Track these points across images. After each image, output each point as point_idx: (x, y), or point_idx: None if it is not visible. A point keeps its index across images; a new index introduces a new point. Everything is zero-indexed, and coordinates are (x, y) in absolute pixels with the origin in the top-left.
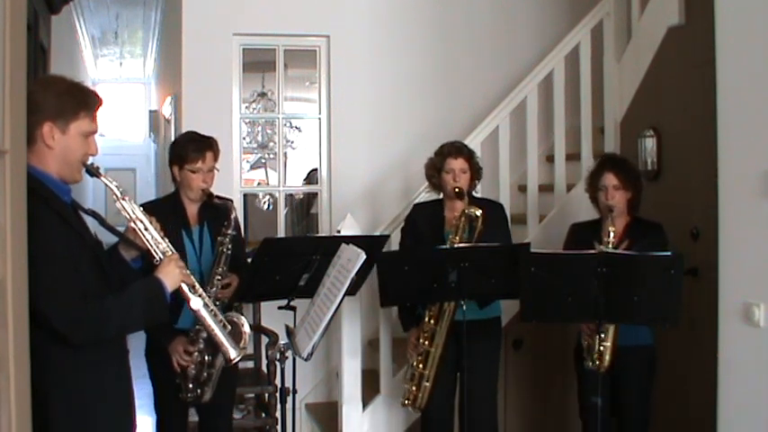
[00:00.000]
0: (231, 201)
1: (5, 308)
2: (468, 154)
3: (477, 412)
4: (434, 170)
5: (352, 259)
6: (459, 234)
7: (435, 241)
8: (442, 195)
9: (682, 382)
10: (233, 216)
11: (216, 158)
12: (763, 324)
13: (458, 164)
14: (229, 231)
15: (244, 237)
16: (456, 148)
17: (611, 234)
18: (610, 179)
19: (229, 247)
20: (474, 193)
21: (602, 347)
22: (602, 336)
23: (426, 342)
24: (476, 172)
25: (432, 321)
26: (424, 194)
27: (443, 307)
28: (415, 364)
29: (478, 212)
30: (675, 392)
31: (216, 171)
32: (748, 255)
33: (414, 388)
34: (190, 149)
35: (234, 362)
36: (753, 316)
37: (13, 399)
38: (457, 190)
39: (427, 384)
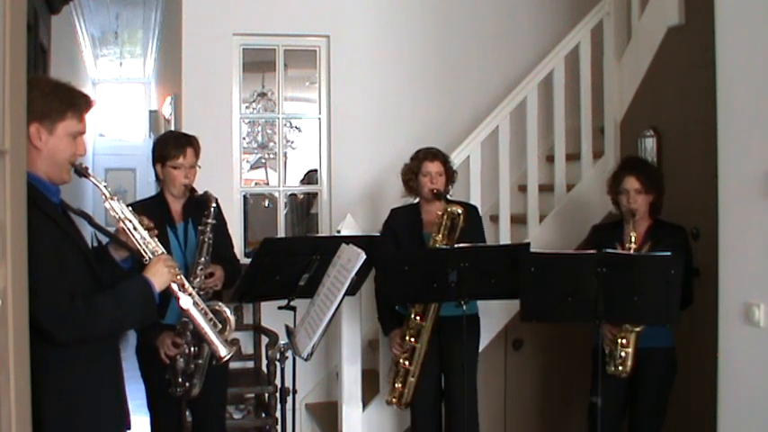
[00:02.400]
0: (216, 198)
1: (5, 308)
2: (443, 158)
3: (462, 407)
4: (411, 174)
5: (352, 259)
6: (442, 232)
7: (414, 243)
8: (417, 199)
9: (682, 382)
10: (213, 205)
11: (197, 155)
12: (763, 324)
13: (434, 167)
14: (209, 220)
15: (243, 232)
16: (432, 153)
17: (633, 238)
18: (632, 183)
19: (210, 236)
20: (449, 196)
21: (623, 353)
22: (624, 342)
23: (412, 339)
24: (450, 175)
25: (417, 318)
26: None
27: (428, 304)
28: (401, 361)
29: (460, 210)
30: (675, 392)
31: (198, 168)
32: (748, 255)
33: (399, 385)
34: (170, 146)
35: (224, 360)
36: (753, 316)
37: (12, 398)
38: (435, 191)
39: (413, 380)
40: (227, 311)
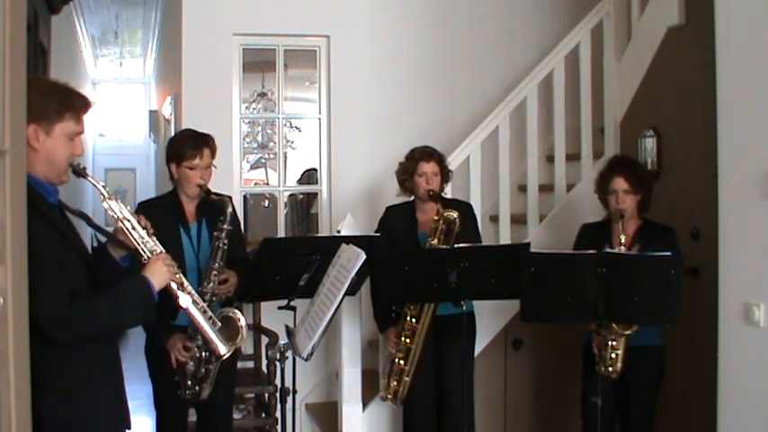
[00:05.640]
0: (230, 197)
1: (5, 308)
2: (438, 158)
3: (458, 405)
4: (407, 174)
5: (351, 259)
6: (438, 236)
7: (409, 242)
8: (413, 198)
9: (681, 382)
10: (229, 211)
11: (213, 155)
12: (763, 324)
13: (430, 167)
14: (225, 226)
15: (243, 233)
16: (427, 153)
17: (622, 240)
18: (620, 183)
19: (225, 242)
20: (444, 194)
21: (614, 355)
22: (615, 343)
23: (408, 340)
24: (446, 175)
25: (413, 320)
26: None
27: (424, 305)
28: (396, 360)
29: (455, 215)
30: (675, 392)
31: (213, 168)
32: (748, 255)
33: (394, 382)
34: (187, 146)
35: (224, 357)
36: (753, 316)
37: (12, 398)
38: (431, 192)
39: (407, 379)
40: (241, 320)
